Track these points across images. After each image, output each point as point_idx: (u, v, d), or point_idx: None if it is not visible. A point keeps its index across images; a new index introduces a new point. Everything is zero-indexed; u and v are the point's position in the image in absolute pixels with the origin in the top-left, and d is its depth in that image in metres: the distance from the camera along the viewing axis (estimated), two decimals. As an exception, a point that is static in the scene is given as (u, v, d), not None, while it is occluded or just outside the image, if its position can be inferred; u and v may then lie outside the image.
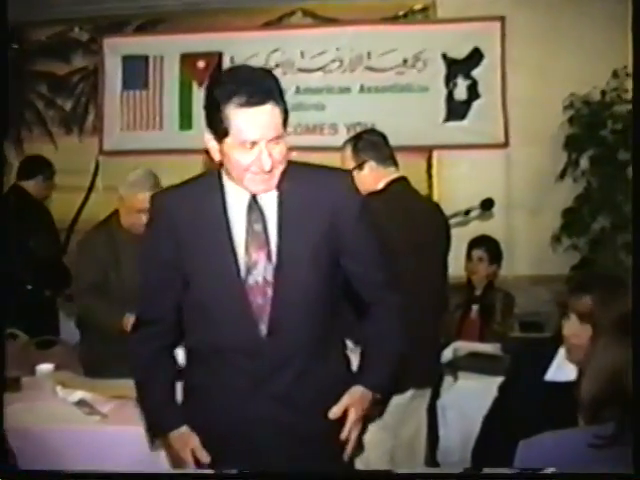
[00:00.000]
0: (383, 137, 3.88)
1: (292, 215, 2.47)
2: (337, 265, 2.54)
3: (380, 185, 3.73)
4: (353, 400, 2.51)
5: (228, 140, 2.35)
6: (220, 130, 2.35)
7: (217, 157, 2.44)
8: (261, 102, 2.30)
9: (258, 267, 2.47)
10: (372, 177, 3.74)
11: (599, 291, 2.70)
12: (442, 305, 4.12)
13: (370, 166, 3.75)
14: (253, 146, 2.33)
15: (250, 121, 2.31)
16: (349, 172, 2.74)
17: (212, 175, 2.54)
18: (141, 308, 2.70)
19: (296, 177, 2.48)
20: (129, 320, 4.26)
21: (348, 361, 2.70)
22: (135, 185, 4.24)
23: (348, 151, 3.81)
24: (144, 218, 4.17)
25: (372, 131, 4.07)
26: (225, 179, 2.49)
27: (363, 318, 2.65)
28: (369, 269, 2.59)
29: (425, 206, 3.97)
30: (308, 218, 2.47)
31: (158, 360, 2.63)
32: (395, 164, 3.82)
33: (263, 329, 2.46)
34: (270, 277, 2.46)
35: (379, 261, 2.61)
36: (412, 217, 3.67)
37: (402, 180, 3.83)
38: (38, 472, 2.33)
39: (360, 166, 3.72)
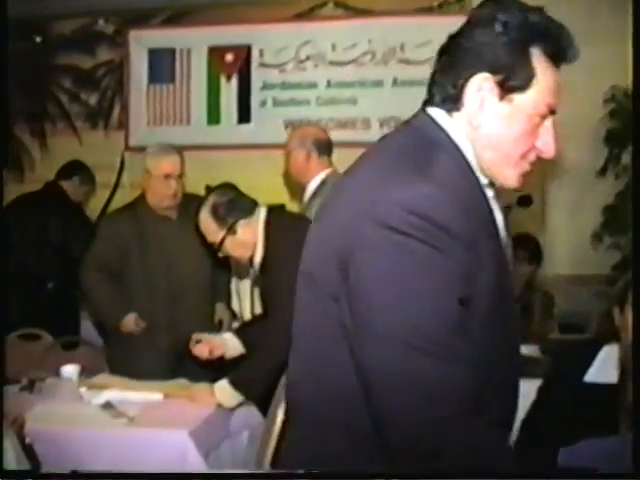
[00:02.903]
0: (235, 188, 3.72)
1: None
2: None
3: (260, 236, 3.54)
4: None
5: (524, 95, 1.65)
6: (521, 76, 1.64)
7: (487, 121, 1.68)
8: (562, 62, 1.69)
9: None
10: (250, 233, 3.55)
11: None
12: None
13: (241, 225, 3.54)
14: (542, 121, 1.69)
15: (555, 82, 1.68)
16: None
17: (444, 151, 1.67)
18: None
19: None
20: (129, 321, 4.14)
21: None
22: (158, 151, 4.26)
23: (211, 224, 3.55)
24: (173, 184, 4.12)
25: (222, 192, 3.67)
26: (471, 158, 1.71)
27: None
28: None
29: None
30: None
31: None
32: (256, 204, 3.62)
33: None
34: None
35: None
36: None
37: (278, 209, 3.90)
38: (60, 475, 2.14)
39: (232, 230, 3.52)
